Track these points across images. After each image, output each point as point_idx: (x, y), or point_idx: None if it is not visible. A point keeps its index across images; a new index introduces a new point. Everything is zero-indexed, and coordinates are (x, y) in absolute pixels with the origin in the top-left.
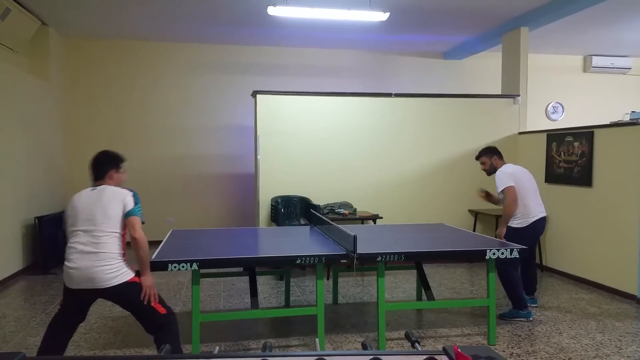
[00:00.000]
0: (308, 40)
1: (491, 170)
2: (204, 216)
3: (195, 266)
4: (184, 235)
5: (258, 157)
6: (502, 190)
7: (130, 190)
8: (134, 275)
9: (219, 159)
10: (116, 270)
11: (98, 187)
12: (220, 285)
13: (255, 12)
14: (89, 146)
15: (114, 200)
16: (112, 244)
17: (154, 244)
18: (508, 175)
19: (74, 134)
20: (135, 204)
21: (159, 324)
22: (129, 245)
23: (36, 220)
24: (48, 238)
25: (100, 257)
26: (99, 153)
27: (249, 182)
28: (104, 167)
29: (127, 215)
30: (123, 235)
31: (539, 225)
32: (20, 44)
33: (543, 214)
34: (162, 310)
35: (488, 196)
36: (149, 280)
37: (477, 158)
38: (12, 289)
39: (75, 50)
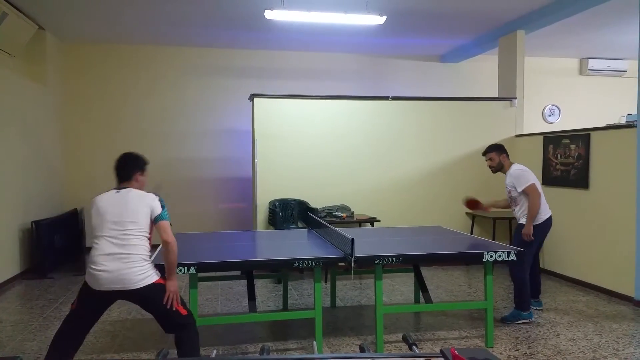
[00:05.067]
0: (305, 43)
1: (497, 168)
2: (202, 220)
3: (192, 270)
4: (182, 239)
5: (255, 160)
6: (524, 189)
7: (156, 195)
8: (159, 277)
9: (217, 163)
10: (145, 272)
11: (122, 190)
12: (218, 289)
13: (252, 16)
14: (86, 150)
15: (141, 203)
16: (140, 246)
17: (152, 247)
18: (528, 172)
19: (71, 138)
20: (162, 207)
21: (181, 325)
22: (154, 248)
23: (33, 225)
24: (45, 242)
25: (131, 258)
26: (124, 155)
27: (247, 186)
28: (131, 169)
29: (156, 220)
30: (149, 238)
31: (549, 224)
32: (17, 48)
33: (550, 212)
34: (184, 312)
35: (475, 205)
36: (174, 284)
37: (485, 154)
38: (9, 293)
39: (72, 54)
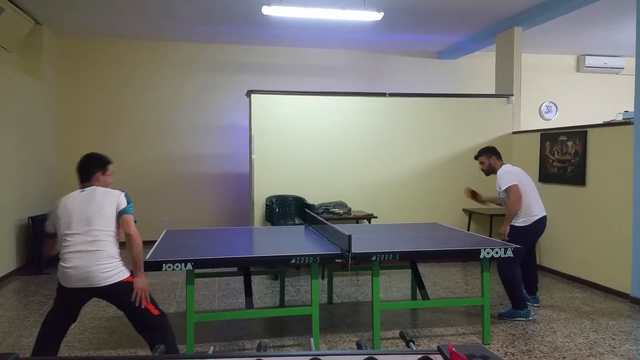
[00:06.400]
0: (302, 39)
1: (489, 170)
2: (199, 216)
3: (189, 266)
4: (179, 235)
5: (253, 156)
6: (506, 189)
7: (122, 191)
8: (129, 274)
9: (214, 159)
10: (113, 269)
11: (88, 189)
12: (215, 285)
13: (249, 12)
14: (83, 145)
15: (107, 199)
16: (108, 243)
17: (148, 243)
18: (511, 174)
19: (68, 133)
20: (128, 203)
21: (152, 325)
22: (123, 245)
23: (30, 220)
24: (41, 238)
25: (98, 255)
26: (85, 155)
27: (244, 182)
28: (91, 169)
29: (120, 214)
30: (117, 235)
31: (541, 224)
32: (13, 43)
33: (544, 213)
34: (155, 312)
35: (474, 195)
36: (142, 281)
37: (476, 157)
38: (5, 289)
39: (69, 49)
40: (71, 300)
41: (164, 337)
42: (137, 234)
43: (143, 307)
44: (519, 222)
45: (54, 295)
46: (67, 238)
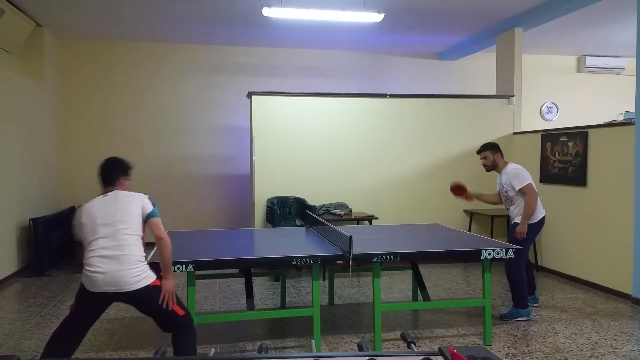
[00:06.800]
0: (303, 41)
1: (491, 167)
2: (199, 217)
3: (190, 267)
4: (179, 237)
5: (253, 157)
6: (522, 188)
7: (144, 194)
8: (155, 278)
9: (214, 160)
10: (141, 273)
11: (110, 193)
12: (216, 287)
13: (250, 13)
14: (84, 147)
15: (132, 203)
16: (135, 246)
17: (149, 245)
18: (527, 172)
19: (69, 135)
20: (153, 205)
21: (177, 324)
22: (149, 247)
23: (31, 222)
24: (42, 240)
25: (126, 259)
26: (107, 160)
27: (245, 183)
28: (115, 173)
29: (148, 217)
30: (143, 238)
31: (542, 222)
32: (14, 45)
33: (544, 211)
34: (181, 312)
35: (461, 191)
36: (171, 283)
37: (479, 152)
38: (6, 291)
39: (70, 51)
40: (95, 305)
41: (187, 335)
42: (167, 237)
43: (170, 309)
44: (533, 219)
45: (72, 302)
46: (94, 242)
